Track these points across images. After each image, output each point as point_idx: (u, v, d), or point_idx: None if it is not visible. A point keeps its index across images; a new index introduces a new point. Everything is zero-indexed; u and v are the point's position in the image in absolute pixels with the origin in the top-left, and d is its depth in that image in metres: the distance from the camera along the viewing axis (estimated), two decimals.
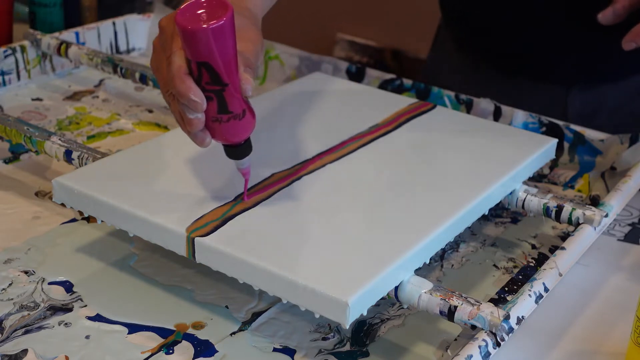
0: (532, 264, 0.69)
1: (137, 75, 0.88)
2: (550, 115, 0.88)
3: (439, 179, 0.66)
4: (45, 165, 0.79)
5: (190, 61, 0.54)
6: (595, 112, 0.97)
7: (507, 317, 0.54)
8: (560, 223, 0.68)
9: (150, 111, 0.92)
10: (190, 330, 0.59)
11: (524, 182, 0.70)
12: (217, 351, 0.57)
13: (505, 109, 0.86)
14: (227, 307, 0.61)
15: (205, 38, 0.52)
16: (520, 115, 0.85)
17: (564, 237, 0.72)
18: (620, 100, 0.96)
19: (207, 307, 0.61)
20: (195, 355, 0.56)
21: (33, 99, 0.93)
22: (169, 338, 0.58)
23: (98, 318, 0.59)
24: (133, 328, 0.58)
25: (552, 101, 0.97)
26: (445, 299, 0.55)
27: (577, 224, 0.67)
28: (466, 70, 1.03)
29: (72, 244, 0.67)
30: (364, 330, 0.60)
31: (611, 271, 0.69)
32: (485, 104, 0.87)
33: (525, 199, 0.69)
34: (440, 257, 0.69)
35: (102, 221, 0.61)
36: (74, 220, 0.71)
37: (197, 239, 0.56)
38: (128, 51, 1.07)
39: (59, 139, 0.71)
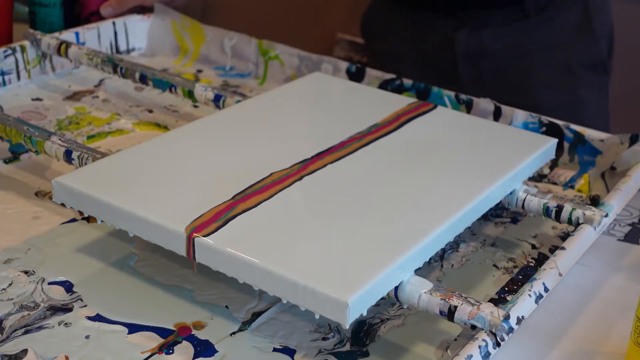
0: (532, 264, 0.69)
1: (137, 75, 0.88)
2: (441, 56, 1.06)
3: (439, 179, 0.66)
4: (45, 165, 0.79)
5: None
6: (480, 56, 1.09)
7: (507, 317, 0.54)
8: (560, 223, 0.68)
9: (150, 111, 0.92)
10: (191, 331, 0.59)
11: (524, 182, 0.71)
12: (217, 351, 0.57)
13: (505, 109, 0.86)
14: (227, 307, 0.61)
15: None
16: (520, 115, 0.85)
17: (564, 237, 0.72)
18: (502, 46, 1.09)
19: (207, 307, 0.61)
20: (195, 355, 0.56)
21: (33, 99, 0.93)
22: (169, 338, 0.58)
23: (98, 318, 0.59)
24: (133, 328, 0.58)
25: (442, 41, 1.10)
26: (445, 299, 0.55)
27: (577, 224, 0.67)
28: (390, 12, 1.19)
29: (72, 244, 0.67)
30: (364, 330, 0.60)
31: (611, 271, 0.69)
32: (485, 104, 0.87)
33: (525, 199, 0.69)
34: (440, 257, 0.69)
35: (102, 221, 0.61)
36: (74, 220, 0.71)
37: (197, 239, 0.56)
38: (128, 51, 1.07)
39: (59, 139, 0.71)
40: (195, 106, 0.94)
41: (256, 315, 0.61)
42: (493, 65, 1.10)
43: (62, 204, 0.63)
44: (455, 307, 0.55)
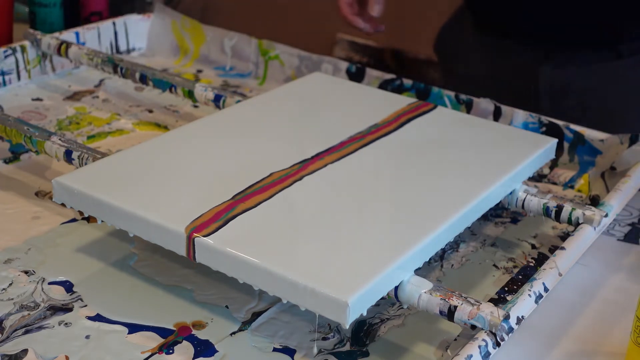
0: (532, 264, 0.69)
1: (137, 75, 0.88)
2: (521, 86, 1.01)
3: (439, 179, 0.66)
4: (45, 165, 0.79)
5: None
6: (564, 92, 1.02)
7: (507, 317, 0.54)
8: (560, 223, 0.68)
9: (150, 111, 0.92)
10: (191, 331, 0.59)
11: (524, 182, 0.71)
12: (217, 351, 0.57)
13: (505, 109, 0.86)
14: (227, 307, 0.61)
15: None
16: (520, 115, 0.85)
17: (564, 237, 0.72)
18: (588, 84, 1.02)
19: (207, 307, 0.61)
20: (195, 355, 0.56)
21: (33, 99, 0.93)
22: (169, 338, 0.58)
23: (98, 318, 0.59)
24: (133, 328, 0.58)
25: (524, 72, 1.03)
26: (445, 299, 0.55)
27: (577, 224, 0.67)
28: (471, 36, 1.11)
29: (72, 244, 0.67)
30: (364, 330, 0.60)
31: (611, 271, 0.69)
32: (485, 104, 0.87)
33: (525, 199, 0.69)
34: (440, 257, 0.69)
35: (102, 221, 0.61)
36: (74, 220, 0.71)
37: (197, 239, 0.56)
38: (128, 51, 1.07)
39: (59, 139, 0.71)
40: (195, 106, 0.94)
41: (256, 315, 0.61)
42: (577, 103, 1.02)
43: (62, 204, 0.63)
44: (455, 307, 0.55)
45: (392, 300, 0.57)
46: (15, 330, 0.58)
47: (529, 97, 1.05)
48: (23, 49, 0.95)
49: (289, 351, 0.57)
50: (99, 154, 0.68)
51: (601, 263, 0.70)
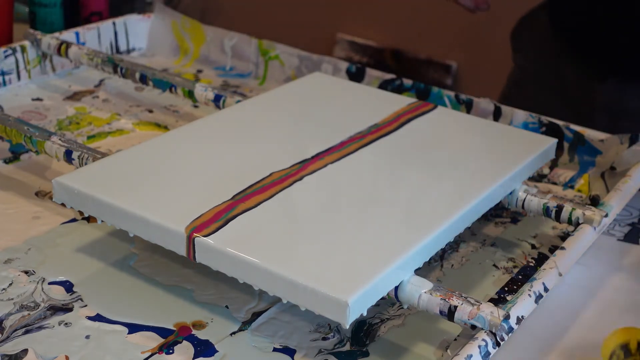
0: (532, 264, 0.69)
1: (137, 75, 0.88)
2: (579, 97, 0.96)
3: (439, 179, 0.66)
4: (45, 165, 0.79)
5: None
6: (620, 113, 0.99)
7: (507, 317, 0.54)
8: (560, 223, 0.68)
9: (150, 111, 0.92)
10: (191, 331, 0.59)
11: (524, 182, 0.71)
12: (217, 351, 0.57)
13: (505, 109, 0.86)
14: (227, 307, 0.61)
15: None
16: (520, 115, 0.85)
17: (564, 237, 0.72)
18: None
19: (207, 307, 0.61)
20: (195, 355, 0.56)
21: (33, 99, 0.93)
22: (169, 338, 0.58)
23: (98, 318, 0.59)
24: (133, 328, 0.58)
25: (585, 84, 0.99)
26: (445, 299, 0.55)
27: (577, 224, 0.67)
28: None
29: (72, 244, 0.67)
30: (364, 330, 0.60)
31: (611, 271, 0.69)
32: (485, 104, 0.87)
33: (525, 199, 0.69)
34: (440, 257, 0.69)
35: (102, 221, 0.61)
36: (74, 220, 0.71)
37: (197, 239, 0.56)
38: (128, 51, 1.07)
39: (59, 139, 0.71)
40: (195, 106, 0.94)
41: (256, 315, 0.61)
42: (634, 127, 0.94)
43: (62, 204, 0.63)
44: (455, 307, 0.55)
45: (392, 300, 0.57)
46: (15, 330, 0.58)
47: (586, 112, 1.00)
48: (23, 49, 0.95)
49: (289, 351, 0.57)
50: (99, 154, 0.68)
51: (601, 263, 0.70)
